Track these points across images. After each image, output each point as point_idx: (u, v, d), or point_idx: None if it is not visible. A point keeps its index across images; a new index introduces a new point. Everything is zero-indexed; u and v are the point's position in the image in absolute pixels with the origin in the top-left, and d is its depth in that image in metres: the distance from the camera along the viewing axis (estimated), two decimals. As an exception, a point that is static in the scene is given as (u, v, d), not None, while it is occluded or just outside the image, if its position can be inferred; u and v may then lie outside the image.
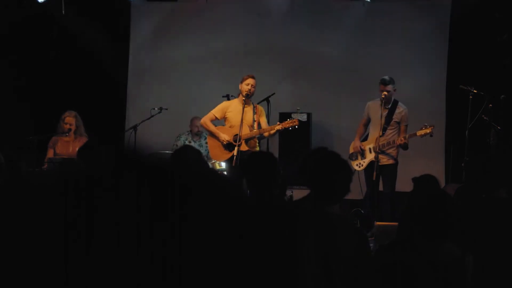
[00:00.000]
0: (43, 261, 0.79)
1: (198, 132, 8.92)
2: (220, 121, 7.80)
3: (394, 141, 7.55)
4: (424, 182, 4.63)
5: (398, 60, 9.30)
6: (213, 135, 7.61)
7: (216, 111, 7.64)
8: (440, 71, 9.24)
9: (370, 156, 7.74)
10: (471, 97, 7.69)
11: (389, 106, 7.63)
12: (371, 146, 7.74)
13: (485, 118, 7.57)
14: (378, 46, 9.35)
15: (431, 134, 7.40)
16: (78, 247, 0.78)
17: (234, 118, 7.46)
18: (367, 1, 9.37)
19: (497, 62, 8.71)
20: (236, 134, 7.33)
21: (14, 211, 0.82)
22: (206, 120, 7.67)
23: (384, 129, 7.63)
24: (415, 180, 4.91)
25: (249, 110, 7.47)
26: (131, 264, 0.78)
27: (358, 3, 9.45)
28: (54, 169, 0.91)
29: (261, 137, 7.68)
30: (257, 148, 7.54)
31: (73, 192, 0.82)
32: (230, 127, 7.53)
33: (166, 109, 8.52)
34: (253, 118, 7.44)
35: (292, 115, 8.71)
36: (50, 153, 7.70)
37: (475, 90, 7.71)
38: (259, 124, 7.54)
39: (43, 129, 8.07)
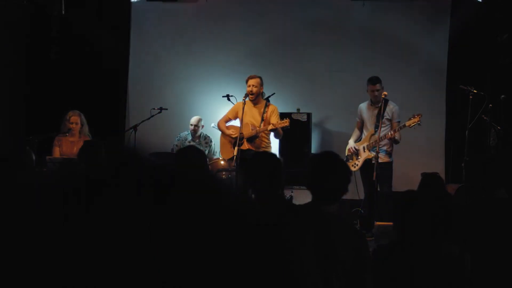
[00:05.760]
0: (43, 261, 0.79)
1: (196, 132, 8.93)
2: (235, 122, 8.01)
3: (385, 136, 7.63)
4: (430, 180, 4.64)
5: (398, 60, 9.30)
6: (223, 133, 7.98)
7: (229, 112, 7.99)
8: (440, 71, 9.24)
9: (364, 155, 7.83)
10: (471, 97, 7.71)
11: (379, 104, 7.72)
12: (365, 144, 7.84)
13: (485, 118, 7.58)
14: (378, 46, 9.35)
15: (419, 123, 7.46)
16: (78, 248, 0.79)
17: (243, 118, 7.64)
18: (367, 1, 9.37)
19: (497, 62, 8.72)
20: (240, 133, 7.55)
21: (15, 211, 0.82)
22: (219, 121, 8.05)
23: (376, 127, 7.73)
24: (423, 175, 4.91)
25: (257, 109, 7.65)
26: (131, 265, 0.78)
27: (358, 3, 9.45)
28: (54, 170, 0.91)
29: (277, 135, 7.79)
30: (269, 149, 7.69)
31: (73, 192, 0.82)
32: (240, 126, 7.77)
33: (166, 109, 8.52)
34: (262, 117, 7.60)
35: (292, 115, 8.72)
36: (56, 152, 7.70)
37: (475, 90, 7.72)
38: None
39: (43, 129, 8.07)
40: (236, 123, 7.95)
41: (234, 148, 7.73)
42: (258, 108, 7.70)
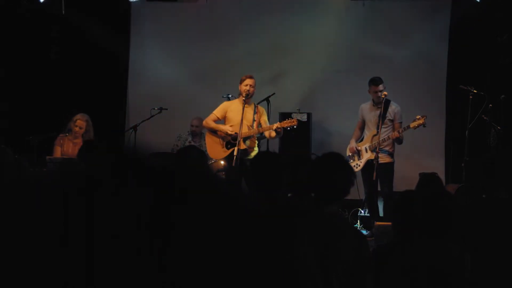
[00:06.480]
0: (43, 261, 0.79)
1: (197, 132, 8.93)
2: (222, 121, 7.87)
3: (388, 137, 7.63)
4: (428, 180, 4.64)
5: (398, 60, 9.31)
6: (213, 132, 7.74)
7: (217, 111, 7.79)
8: (440, 71, 9.24)
9: (366, 156, 7.81)
10: (471, 97, 7.70)
11: (381, 105, 7.70)
12: (367, 145, 7.82)
13: (485, 118, 7.58)
14: (378, 46, 9.35)
15: (424, 125, 7.45)
16: (78, 248, 0.78)
17: (235, 117, 7.55)
18: (367, 1, 9.37)
19: (497, 62, 8.72)
20: (236, 133, 7.44)
21: (16, 211, 0.82)
22: (207, 120, 7.83)
23: (378, 128, 7.71)
24: (421, 175, 4.92)
25: (249, 110, 7.58)
26: (131, 265, 0.78)
27: (358, 3, 9.45)
28: (54, 169, 0.91)
29: (261, 137, 7.77)
30: (255, 148, 7.61)
31: (73, 192, 0.82)
32: (230, 126, 7.62)
33: (166, 109, 8.51)
34: (253, 118, 7.54)
35: (292, 115, 8.72)
36: (57, 152, 7.69)
37: (475, 90, 7.72)
38: (259, 124, 7.62)
39: (43, 129, 8.06)
40: (221, 122, 7.86)
41: (225, 148, 7.65)
42: (250, 109, 7.62)
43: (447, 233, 3.33)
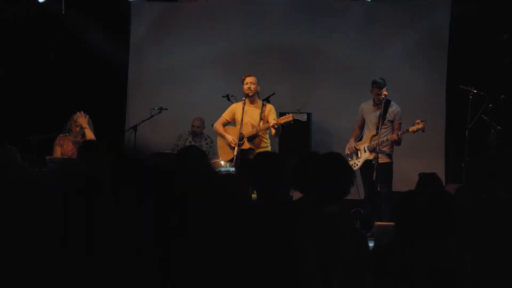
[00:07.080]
0: (43, 261, 0.79)
1: (198, 133, 8.95)
2: (232, 123, 7.98)
3: (387, 138, 7.64)
4: (428, 180, 4.64)
5: (398, 59, 9.30)
6: (222, 137, 7.90)
7: (226, 114, 7.92)
8: (440, 71, 9.23)
9: (364, 156, 7.82)
10: (471, 97, 7.70)
11: (382, 105, 7.69)
12: (366, 145, 7.83)
13: (485, 118, 7.58)
14: (378, 45, 9.36)
15: (423, 129, 7.47)
16: (78, 247, 0.78)
17: (242, 117, 7.63)
18: (367, 1, 9.37)
19: (497, 62, 8.72)
20: (240, 133, 7.54)
21: (16, 210, 0.82)
22: (216, 124, 7.96)
23: (377, 128, 7.71)
24: (421, 175, 4.91)
25: (255, 109, 7.66)
26: (131, 265, 0.78)
27: (358, 3, 9.45)
28: (54, 169, 0.91)
29: (269, 135, 7.82)
30: (268, 148, 7.66)
31: (73, 192, 0.82)
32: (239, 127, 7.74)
33: (166, 109, 8.51)
34: (260, 116, 7.59)
35: (292, 115, 8.72)
36: (57, 152, 7.69)
37: (475, 90, 7.72)
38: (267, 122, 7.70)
39: (43, 129, 8.06)
40: (233, 124, 7.95)
41: (231, 150, 7.73)
42: (256, 107, 7.70)
43: (447, 233, 3.33)
